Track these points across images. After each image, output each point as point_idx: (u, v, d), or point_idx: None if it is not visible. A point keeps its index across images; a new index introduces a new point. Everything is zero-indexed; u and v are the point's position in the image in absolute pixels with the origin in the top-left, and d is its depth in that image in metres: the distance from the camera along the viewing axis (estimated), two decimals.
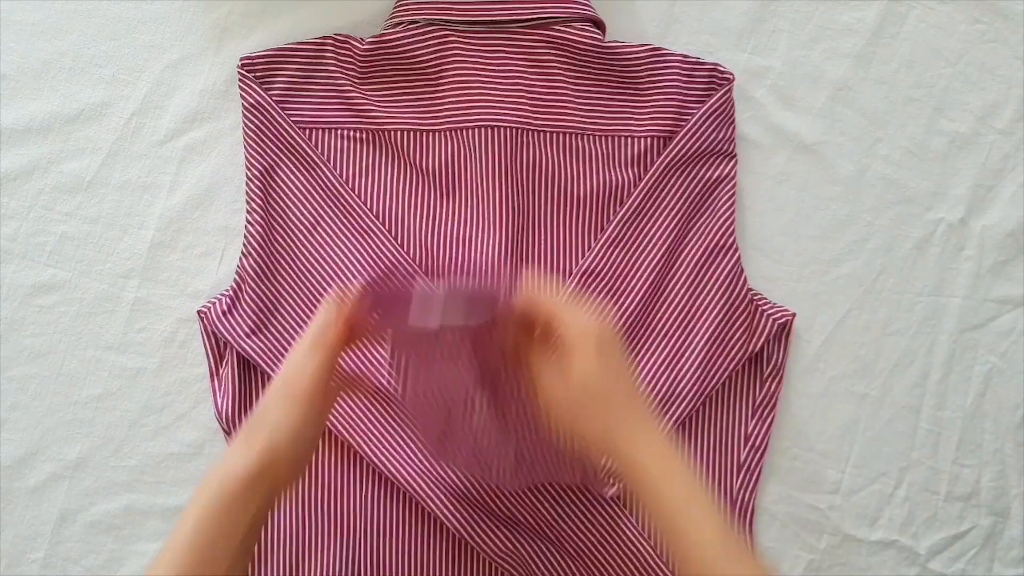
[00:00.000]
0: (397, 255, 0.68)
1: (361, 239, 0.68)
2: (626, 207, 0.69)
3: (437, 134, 0.68)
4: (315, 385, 0.51)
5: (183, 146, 0.70)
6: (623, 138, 0.70)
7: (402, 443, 0.68)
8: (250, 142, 0.67)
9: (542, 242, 0.70)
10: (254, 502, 0.49)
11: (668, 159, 0.68)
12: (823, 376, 0.74)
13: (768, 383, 0.71)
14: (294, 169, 0.68)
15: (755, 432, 0.71)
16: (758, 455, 0.71)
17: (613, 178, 0.70)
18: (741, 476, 0.71)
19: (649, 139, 0.69)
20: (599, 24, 0.68)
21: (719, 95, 0.69)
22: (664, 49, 0.69)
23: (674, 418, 0.68)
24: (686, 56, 0.69)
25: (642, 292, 0.68)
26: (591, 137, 0.69)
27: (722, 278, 0.69)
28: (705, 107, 0.68)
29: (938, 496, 0.74)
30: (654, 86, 0.69)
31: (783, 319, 0.71)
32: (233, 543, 0.49)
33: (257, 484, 0.49)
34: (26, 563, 0.69)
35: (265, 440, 0.49)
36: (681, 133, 0.68)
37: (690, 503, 0.51)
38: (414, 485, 0.67)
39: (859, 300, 0.74)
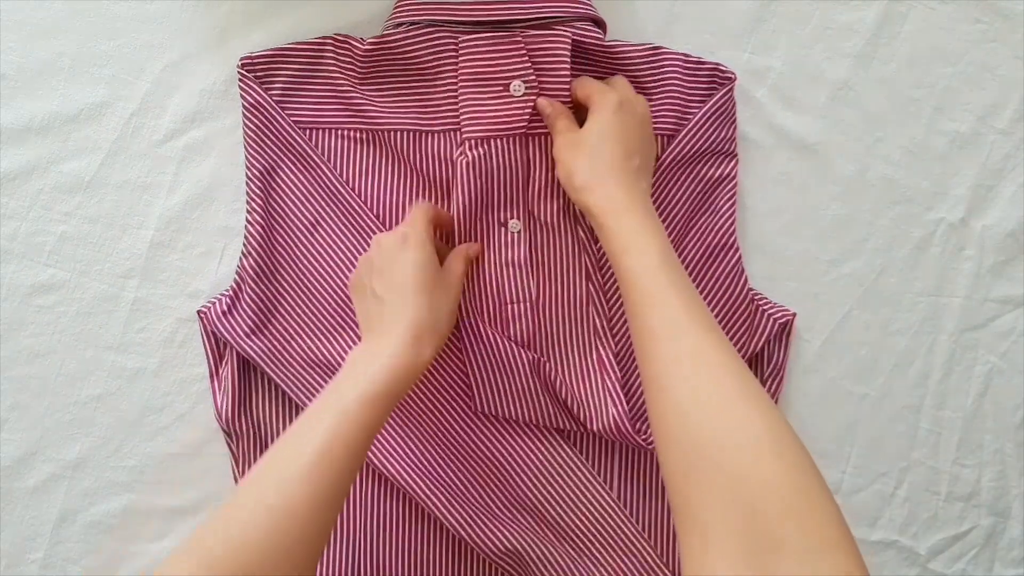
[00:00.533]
0: None
1: (361, 240, 0.68)
2: None
3: (437, 135, 0.68)
4: (423, 276, 0.59)
5: (183, 146, 0.70)
6: None
7: (402, 443, 0.67)
8: (250, 142, 0.67)
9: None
10: (409, 385, 0.57)
11: (670, 158, 0.68)
12: (823, 376, 0.74)
13: (768, 383, 0.71)
14: (294, 169, 0.68)
15: None
16: None
17: None
18: None
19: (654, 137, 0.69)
20: (600, 23, 0.68)
21: (721, 94, 0.69)
22: (665, 49, 0.69)
23: None
24: (687, 56, 0.69)
25: None
26: None
27: (723, 277, 0.69)
28: (707, 106, 0.68)
29: (938, 496, 0.74)
30: (657, 85, 0.69)
31: (784, 319, 0.70)
32: (382, 423, 0.55)
33: (413, 375, 0.56)
34: (26, 563, 0.69)
35: (413, 336, 0.57)
36: (683, 132, 0.68)
37: (639, 234, 0.55)
38: (414, 485, 0.67)
39: (859, 300, 0.74)
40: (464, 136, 0.66)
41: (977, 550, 0.75)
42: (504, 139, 0.66)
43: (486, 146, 0.66)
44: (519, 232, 0.68)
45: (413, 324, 0.57)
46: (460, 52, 0.65)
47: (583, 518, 0.69)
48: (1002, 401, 0.75)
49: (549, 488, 0.68)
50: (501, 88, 0.65)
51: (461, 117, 0.66)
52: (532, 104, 0.65)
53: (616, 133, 0.61)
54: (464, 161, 0.66)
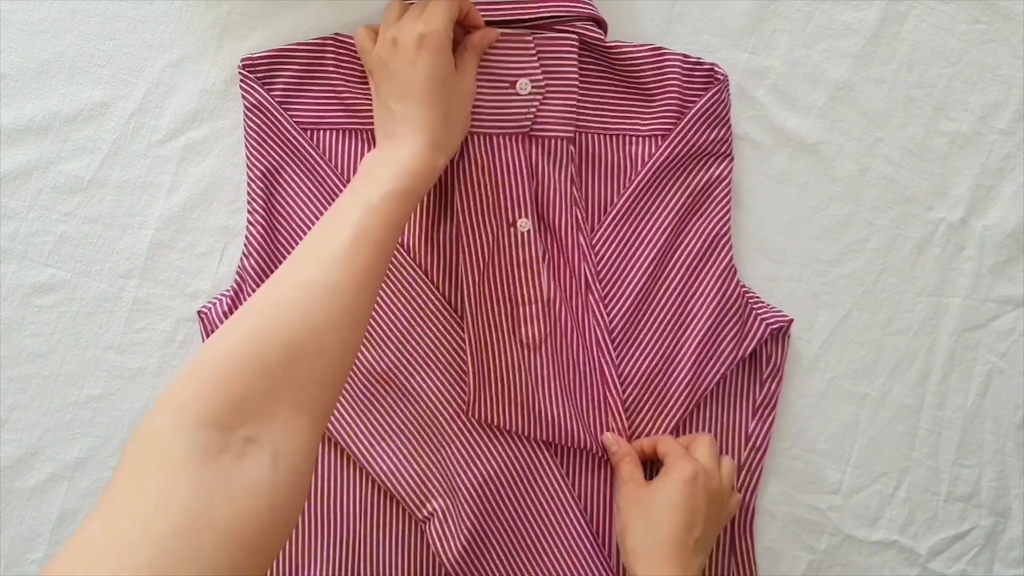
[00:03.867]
0: (399, 257, 0.67)
1: None
2: (616, 209, 0.68)
3: None
4: (438, 88, 0.57)
5: (183, 146, 0.70)
6: (629, 137, 0.69)
7: (396, 447, 0.67)
8: (252, 143, 0.67)
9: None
10: (426, 189, 0.58)
11: (659, 160, 0.68)
12: (823, 376, 0.74)
13: (768, 383, 0.71)
14: (296, 170, 0.67)
15: (755, 432, 0.71)
16: (758, 455, 0.71)
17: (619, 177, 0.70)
18: (741, 476, 0.71)
19: (654, 138, 0.69)
20: (601, 23, 0.68)
21: (709, 96, 0.68)
22: (665, 49, 0.69)
23: (670, 420, 0.68)
24: (686, 56, 0.69)
25: (635, 293, 0.68)
26: (595, 136, 0.69)
27: (716, 277, 0.69)
28: (695, 108, 0.68)
29: (938, 496, 0.74)
30: (658, 85, 0.69)
31: (777, 324, 0.70)
32: (404, 222, 0.56)
33: (429, 179, 0.57)
34: (26, 563, 0.69)
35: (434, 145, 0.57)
36: (672, 135, 0.68)
37: None
38: (391, 479, 0.66)
39: (859, 300, 0.74)
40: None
41: (977, 550, 0.75)
42: (507, 138, 0.66)
43: (488, 144, 0.66)
44: (529, 231, 0.67)
45: (428, 133, 0.57)
46: None
47: (545, 525, 0.68)
48: (1002, 401, 0.75)
49: (519, 493, 0.68)
50: (507, 86, 0.65)
51: None
52: (537, 103, 0.65)
53: (682, 504, 0.60)
54: (465, 159, 0.65)
